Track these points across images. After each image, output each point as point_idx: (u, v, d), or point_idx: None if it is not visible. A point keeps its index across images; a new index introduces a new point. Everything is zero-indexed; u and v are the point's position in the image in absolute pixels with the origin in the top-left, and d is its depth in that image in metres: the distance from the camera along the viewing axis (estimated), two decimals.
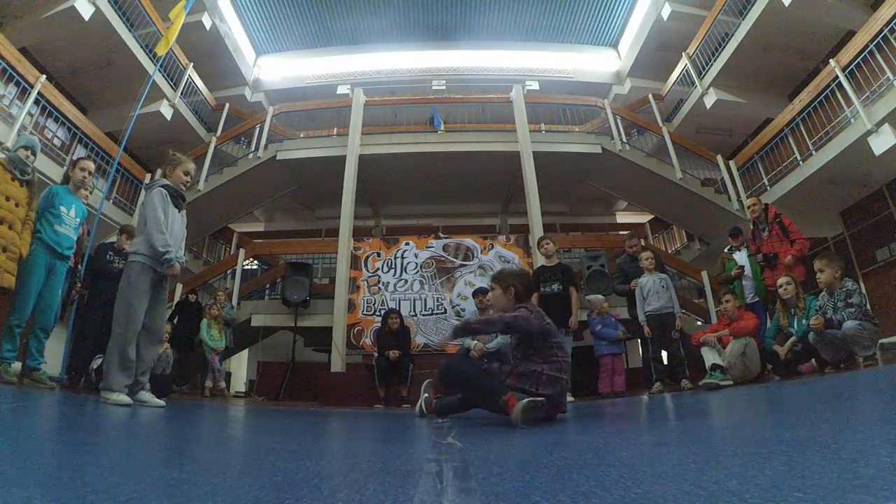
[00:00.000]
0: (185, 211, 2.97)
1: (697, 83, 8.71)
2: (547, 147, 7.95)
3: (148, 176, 7.68)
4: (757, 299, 4.83)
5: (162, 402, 2.72)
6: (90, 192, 3.81)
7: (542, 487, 0.81)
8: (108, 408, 2.32)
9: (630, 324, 5.11)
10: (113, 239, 4.56)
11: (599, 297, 5.23)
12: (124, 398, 2.48)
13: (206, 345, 5.75)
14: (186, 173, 2.94)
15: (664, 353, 4.78)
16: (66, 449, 1.13)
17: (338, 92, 11.22)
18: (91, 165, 3.60)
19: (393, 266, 7.16)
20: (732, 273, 4.89)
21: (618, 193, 9.54)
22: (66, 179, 3.56)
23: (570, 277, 4.65)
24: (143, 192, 2.94)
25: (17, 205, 3.11)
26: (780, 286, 4.04)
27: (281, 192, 9.02)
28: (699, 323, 6.82)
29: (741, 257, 5.00)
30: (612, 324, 4.99)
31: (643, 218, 10.20)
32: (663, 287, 4.59)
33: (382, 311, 6.35)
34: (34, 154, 3.35)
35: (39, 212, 3.28)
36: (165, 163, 2.97)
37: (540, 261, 4.98)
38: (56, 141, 6.43)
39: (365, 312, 6.85)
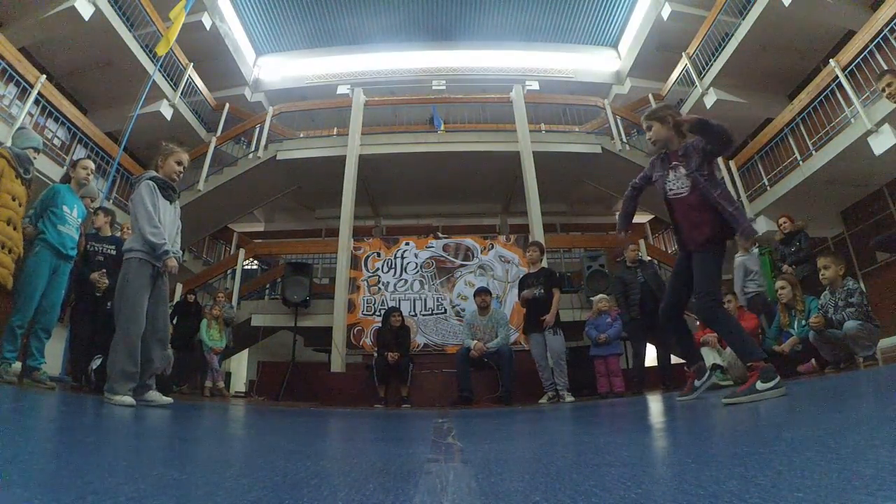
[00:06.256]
0: (178, 202, 2.90)
1: (697, 83, 8.71)
2: (547, 147, 7.95)
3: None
4: (752, 294, 5.04)
5: (169, 400, 2.71)
6: (94, 201, 3.81)
7: (542, 487, 0.81)
8: (108, 408, 2.31)
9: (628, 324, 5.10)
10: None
11: (599, 296, 5.21)
12: (128, 399, 2.43)
13: (205, 345, 5.76)
14: (179, 163, 2.84)
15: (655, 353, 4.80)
16: (67, 449, 1.13)
17: (338, 92, 11.23)
18: (91, 165, 3.61)
19: (393, 266, 7.16)
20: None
21: (618, 193, 9.52)
22: (67, 179, 3.56)
23: (553, 281, 4.71)
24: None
25: (20, 204, 3.11)
26: (778, 289, 4.09)
27: (281, 192, 9.02)
28: (699, 323, 6.80)
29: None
30: (606, 324, 4.94)
31: (643, 218, 10.19)
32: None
33: (382, 311, 6.34)
34: (37, 152, 3.37)
35: (39, 211, 3.26)
36: (157, 153, 2.86)
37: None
38: (56, 141, 6.43)
39: (365, 312, 6.84)
